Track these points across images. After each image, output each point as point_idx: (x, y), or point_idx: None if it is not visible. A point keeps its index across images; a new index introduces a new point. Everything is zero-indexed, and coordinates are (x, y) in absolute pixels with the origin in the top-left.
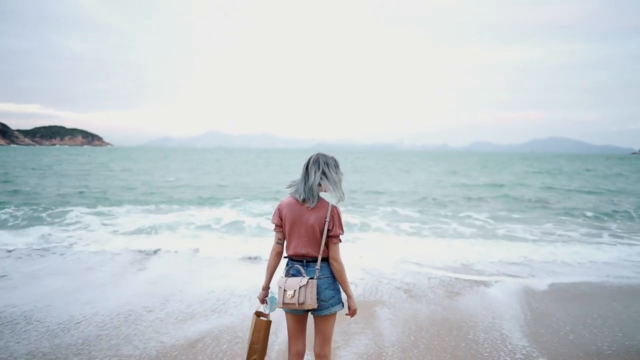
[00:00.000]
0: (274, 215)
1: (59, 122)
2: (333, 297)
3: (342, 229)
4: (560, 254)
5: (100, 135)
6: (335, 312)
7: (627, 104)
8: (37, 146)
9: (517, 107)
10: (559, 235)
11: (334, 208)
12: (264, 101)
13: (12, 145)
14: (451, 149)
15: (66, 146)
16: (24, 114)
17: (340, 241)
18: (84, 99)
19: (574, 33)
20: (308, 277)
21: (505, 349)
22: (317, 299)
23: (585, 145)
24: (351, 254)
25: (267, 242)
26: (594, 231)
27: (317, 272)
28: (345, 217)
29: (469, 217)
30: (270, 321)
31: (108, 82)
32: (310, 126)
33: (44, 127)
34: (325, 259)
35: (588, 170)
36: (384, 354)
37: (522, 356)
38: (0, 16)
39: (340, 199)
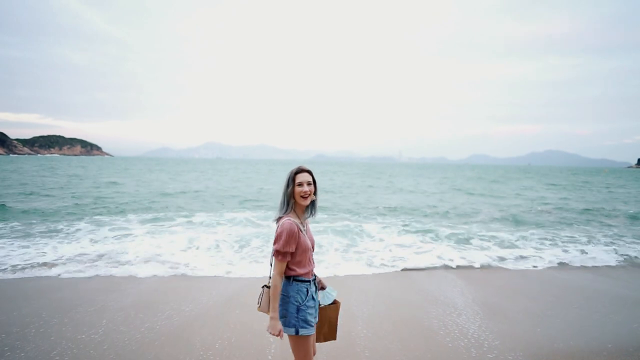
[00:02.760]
0: None
1: (58, 131)
2: (283, 317)
3: (277, 243)
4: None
5: (99, 145)
6: (290, 335)
7: (623, 118)
8: (37, 155)
9: (514, 121)
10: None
11: (282, 222)
12: (262, 112)
13: (11, 155)
14: (449, 161)
15: (65, 155)
16: (22, 123)
17: (278, 257)
18: (82, 108)
19: (570, 48)
20: (265, 284)
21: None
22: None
23: (581, 158)
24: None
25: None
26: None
27: (269, 280)
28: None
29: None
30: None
31: (106, 92)
32: (308, 137)
33: (43, 137)
34: (285, 277)
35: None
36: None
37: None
38: (2, 28)
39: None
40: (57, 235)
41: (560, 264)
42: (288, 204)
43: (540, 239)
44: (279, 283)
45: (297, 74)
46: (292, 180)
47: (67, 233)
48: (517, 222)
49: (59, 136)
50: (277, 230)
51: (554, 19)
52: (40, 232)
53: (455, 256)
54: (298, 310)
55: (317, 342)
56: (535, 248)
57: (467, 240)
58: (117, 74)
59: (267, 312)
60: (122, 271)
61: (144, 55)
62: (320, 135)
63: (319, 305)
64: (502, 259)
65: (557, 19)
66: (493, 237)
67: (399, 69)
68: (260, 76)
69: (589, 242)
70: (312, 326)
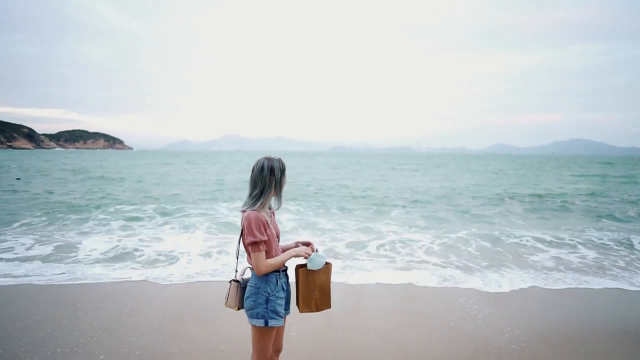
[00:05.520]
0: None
1: (82, 126)
2: (252, 309)
3: (252, 234)
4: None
5: (121, 138)
6: (255, 326)
7: None
8: (62, 149)
9: (535, 110)
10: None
11: (247, 215)
12: (280, 104)
13: (38, 149)
14: (469, 151)
15: (91, 149)
16: (48, 119)
17: (259, 247)
18: (103, 103)
19: (593, 34)
20: (232, 279)
21: None
22: (243, 305)
23: (608, 147)
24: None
25: None
26: None
27: (236, 274)
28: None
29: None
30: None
31: (126, 86)
32: (326, 129)
33: (68, 131)
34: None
35: None
36: None
37: None
38: (25, 25)
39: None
40: None
41: None
42: (267, 195)
43: None
44: (270, 264)
45: (314, 66)
46: (284, 171)
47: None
48: None
49: (83, 130)
50: (243, 223)
51: (576, 5)
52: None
53: None
54: (267, 301)
55: (309, 311)
56: None
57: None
58: (136, 69)
59: (234, 307)
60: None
61: (161, 49)
62: (337, 126)
63: (307, 269)
64: None
65: (579, 5)
66: None
67: (416, 58)
68: (278, 68)
69: None
70: (281, 317)
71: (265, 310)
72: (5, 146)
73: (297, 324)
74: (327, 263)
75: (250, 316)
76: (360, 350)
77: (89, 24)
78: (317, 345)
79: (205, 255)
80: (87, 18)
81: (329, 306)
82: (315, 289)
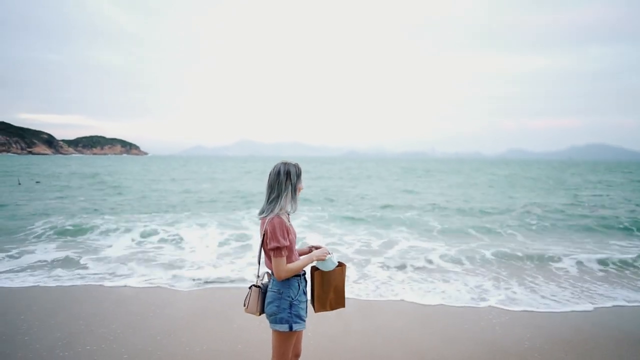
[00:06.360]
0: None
1: (98, 132)
2: (275, 314)
3: (276, 240)
4: None
5: (136, 144)
6: (278, 331)
7: None
8: (79, 155)
9: (552, 114)
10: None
11: (271, 219)
12: (294, 109)
13: (56, 155)
14: (485, 156)
15: (107, 155)
16: (66, 125)
17: (281, 253)
18: (119, 108)
19: (609, 36)
20: (253, 284)
21: None
22: (264, 311)
23: (627, 151)
24: None
25: None
26: None
27: (257, 280)
28: None
29: None
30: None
31: (141, 92)
32: (340, 134)
33: (86, 137)
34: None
35: None
36: None
37: None
38: (46, 33)
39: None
40: None
41: None
42: (284, 199)
43: None
44: (291, 269)
45: (327, 71)
46: (300, 175)
47: None
48: None
49: (101, 136)
50: (266, 228)
51: (592, 6)
52: None
53: None
54: (291, 305)
55: (324, 310)
56: None
57: None
58: (149, 74)
59: (255, 313)
60: None
61: (175, 55)
62: (351, 131)
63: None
64: None
65: (595, 6)
66: None
67: (428, 63)
68: (292, 73)
69: None
70: (304, 321)
71: (289, 315)
72: (25, 152)
73: (313, 326)
74: (341, 264)
75: (274, 321)
76: (374, 354)
77: (89, 24)
78: (334, 351)
79: (223, 261)
80: (88, 19)
81: (343, 305)
82: (330, 290)
